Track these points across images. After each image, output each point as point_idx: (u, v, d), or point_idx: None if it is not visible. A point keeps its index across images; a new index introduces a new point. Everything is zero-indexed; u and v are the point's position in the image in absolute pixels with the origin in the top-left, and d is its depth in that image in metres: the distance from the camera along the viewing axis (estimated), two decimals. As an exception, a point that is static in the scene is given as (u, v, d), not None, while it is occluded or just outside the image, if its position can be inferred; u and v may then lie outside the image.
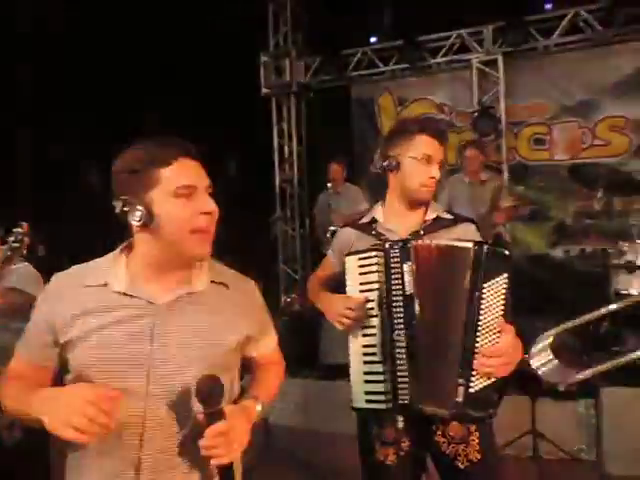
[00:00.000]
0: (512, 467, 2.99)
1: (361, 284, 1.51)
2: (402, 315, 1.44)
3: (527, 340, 3.57)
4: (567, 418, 3.23)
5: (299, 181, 5.99)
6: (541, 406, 3.12)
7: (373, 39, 5.46)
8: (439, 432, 1.54)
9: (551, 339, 1.07)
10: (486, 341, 1.34)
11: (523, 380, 3.03)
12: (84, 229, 4.43)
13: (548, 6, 4.95)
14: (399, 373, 1.44)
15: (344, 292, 1.58)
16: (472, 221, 1.69)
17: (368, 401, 1.48)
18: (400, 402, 1.44)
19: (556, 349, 3.52)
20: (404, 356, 1.43)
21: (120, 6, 4.69)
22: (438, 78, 5.53)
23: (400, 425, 1.49)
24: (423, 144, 1.60)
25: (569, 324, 1.15)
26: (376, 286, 1.48)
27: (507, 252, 1.40)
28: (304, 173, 6.10)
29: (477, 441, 1.52)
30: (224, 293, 1.17)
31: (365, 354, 1.49)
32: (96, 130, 4.92)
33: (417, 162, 1.59)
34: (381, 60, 5.45)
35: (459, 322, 1.35)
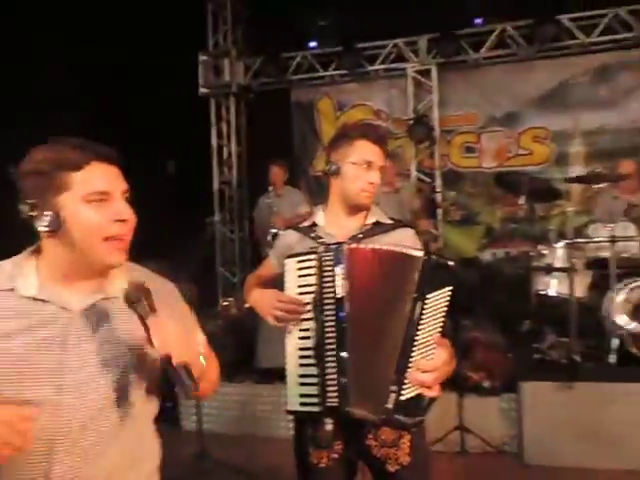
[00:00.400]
0: (441, 463, 3.11)
1: (299, 286, 1.51)
2: (333, 318, 1.44)
3: (456, 337, 3.77)
4: (491, 413, 3.39)
5: (238, 183, 5.92)
6: (467, 402, 3.27)
7: (313, 44, 5.51)
8: (370, 435, 1.54)
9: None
10: (422, 353, 1.33)
11: (450, 378, 3.15)
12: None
13: (478, 21, 5.20)
14: (329, 376, 1.44)
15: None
16: (410, 227, 1.73)
17: (302, 404, 1.48)
18: (328, 405, 1.44)
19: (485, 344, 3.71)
20: (334, 359, 1.43)
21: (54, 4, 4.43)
22: (376, 85, 5.68)
23: (328, 428, 1.48)
24: (363, 149, 1.62)
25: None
26: (312, 289, 1.49)
27: (453, 264, 1.37)
28: (244, 175, 6.04)
29: (408, 444, 1.54)
30: None
31: (300, 356, 1.49)
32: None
33: (357, 167, 1.61)
34: (321, 65, 5.52)
35: (397, 330, 1.33)
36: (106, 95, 4.68)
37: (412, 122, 5.16)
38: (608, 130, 5.32)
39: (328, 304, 1.45)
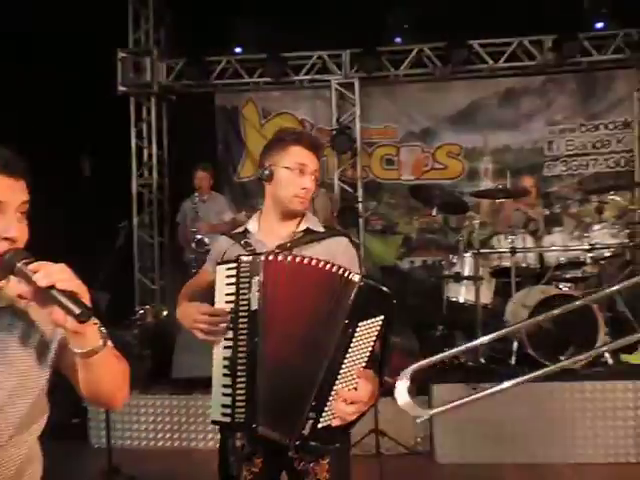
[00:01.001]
0: (357, 466, 3.19)
1: (226, 295, 1.47)
2: (245, 332, 1.40)
3: (386, 361, 3.88)
4: (405, 415, 3.53)
5: (159, 186, 5.72)
6: (382, 406, 3.39)
7: (238, 49, 5.48)
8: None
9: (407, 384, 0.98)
10: (346, 382, 1.31)
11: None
12: None
13: (398, 39, 5.46)
14: (238, 391, 1.41)
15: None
16: (346, 235, 1.70)
17: (223, 414, 1.44)
18: (236, 420, 1.41)
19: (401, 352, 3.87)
20: (244, 374, 1.40)
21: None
22: (301, 94, 5.76)
23: (237, 444, 1.51)
24: (297, 154, 1.61)
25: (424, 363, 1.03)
26: (232, 298, 1.45)
27: (388, 291, 1.33)
28: (165, 178, 5.85)
29: (328, 461, 1.54)
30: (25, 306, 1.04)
31: (225, 366, 1.45)
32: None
33: (290, 172, 1.59)
34: (246, 71, 5.50)
35: (321, 355, 1.30)
36: (22, 91, 4.36)
37: (335, 133, 5.29)
38: (512, 149, 5.79)
39: (242, 316, 1.40)
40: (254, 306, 1.38)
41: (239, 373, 1.41)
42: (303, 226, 1.63)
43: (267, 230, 1.64)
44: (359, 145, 5.44)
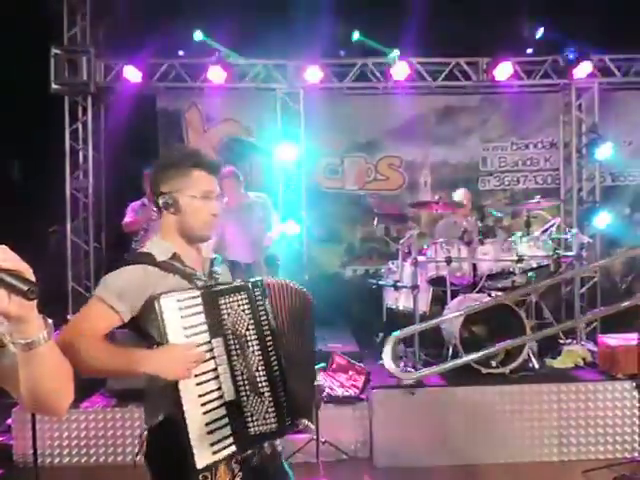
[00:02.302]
0: (300, 472, 3.19)
1: (186, 328, 1.43)
2: (271, 348, 1.54)
3: (318, 349, 3.92)
4: (345, 421, 3.59)
5: (95, 190, 5.48)
6: (323, 413, 3.40)
7: (181, 52, 5.38)
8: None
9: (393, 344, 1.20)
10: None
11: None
12: None
13: (342, 52, 5.58)
14: (258, 405, 1.50)
15: (150, 345, 1.45)
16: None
17: (215, 452, 1.41)
18: (258, 432, 1.49)
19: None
20: (269, 385, 1.52)
21: None
22: (246, 101, 5.73)
23: (235, 467, 1.49)
24: (201, 181, 1.58)
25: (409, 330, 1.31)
26: (201, 328, 1.45)
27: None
28: (102, 182, 5.61)
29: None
30: None
31: (203, 404, 1.42)
32: None
33: (197, 200, 1.57)
34: (189, 75, 5.40)
35: (309, 352, 1.71)
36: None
37: (280, 142, 5.30)
38: (450, 164, 6.06)
39: (266, 336, 1.53)
40: (273, 325, 1.55)
41: (265, 384, 1.51)
42: (209, 253, 1.69)
43: (184, 257, 1.58)
44: (303, 154, 5.48)
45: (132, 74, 5.20)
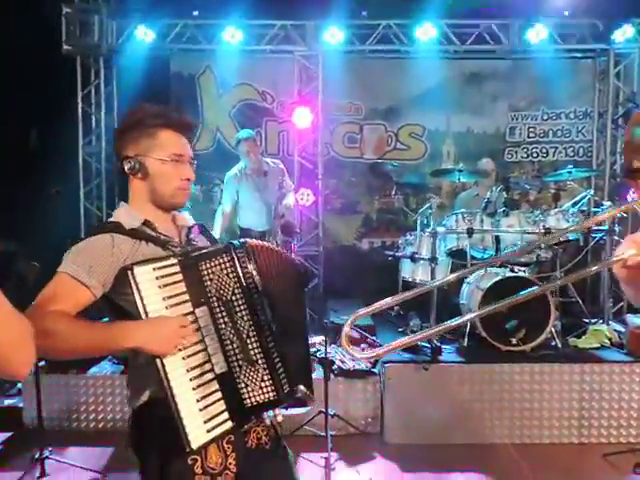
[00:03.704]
0: (308, 445, 3.13)
1: (166, 299, 1.30)
2: (262, 314, 1.39)
3: (331, 321, 3.82)
4: (356, 395, 3.49)
5: (107, 156, 5.39)
6: (333, 386, 3.31)
7: (195, 12, 5.17)
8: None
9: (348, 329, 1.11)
10: None
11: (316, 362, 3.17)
12: None
13: (364, 13, 5.28)
14: (254, 375, 1.37)
15: (126, 318, 1.32)
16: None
17: (210, 430, 1.30)
18: (255, 403, 1.36)
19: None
20: (262, 352, 1.38)
21: None
22: (261, 65, 5.51)
23: (214, 458, 1.38)
24: (170, 143, 1.44)
25: (362, 312, 1.22)
26: (183, 297, 1.32)
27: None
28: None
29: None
30: None
31: (192, 379, 1.30)
32: None
33: (167, 164, 1.43)
34: (204, 37, 5.20)
35: (300, 319, 1.59)
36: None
37: (297, 107, 5.10)
38: (474, 133, 5.76)
39: (256, 299, 1.38)
40: (260, 287, 1.40)
41: (258, 352, 1.37)
42: (185, 220, 1.56)
43: (156, 224, 1.45)
44: (320, 121, 5.27)
45: (145, 35, 5.02)
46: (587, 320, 4.12)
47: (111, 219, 1.45)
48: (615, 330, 3.93)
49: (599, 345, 3.73)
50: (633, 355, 3.50)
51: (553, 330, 3.58)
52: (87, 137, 5.38)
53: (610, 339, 3.79)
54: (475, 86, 5.70)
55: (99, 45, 5.03)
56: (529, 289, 1.30)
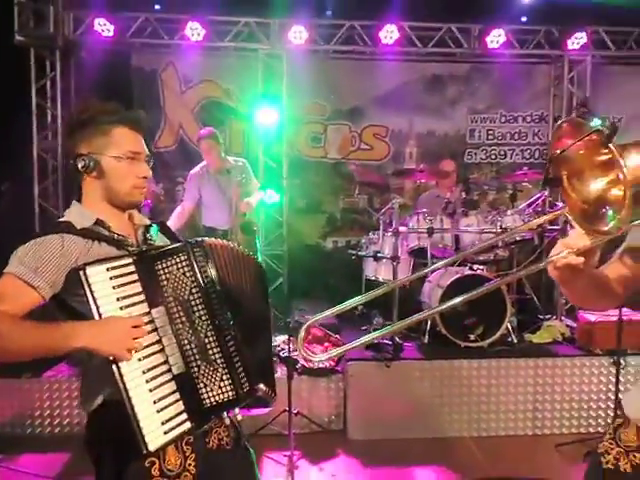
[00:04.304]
0: (271, 444, 3.13)
1: (120, 299, 1.28)
2: (218, 311, 1.39)
3: (295, 320, 3.84)
4: (319, 393, 3.51)
5: (65, 152, 5.21)
6: (296, 385, 3.32)
7: (157, 6, 5.06)
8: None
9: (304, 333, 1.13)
10: None
11: (279, 361, 3.18)
12: None
13: (328, 13, 5.31)
14: (212, 375, 1.36)
15: (79, 320, 1.28)
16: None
17: (167, 431, 1.28)
18: (214, 403, 1.35)
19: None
20: (221, 352, 1.37)
21: None
22: (225, 62, 5.45)
23: (187, 449, 1.38)
24: (125, 140, 1.42)
25: (319, 316, 1.24)
26: (139, 298, 1.30)
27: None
28: (73, 143, 5.33)
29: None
30: None
31: (149, 380, 1.28)
32: None
33: (122, 162, 1.41)
34: (166, 32, 5.10)
35: (264, 316, 1.62)
36: None
37: (261, 106, 5.07)
38: (436, 135, 5.89)
39: (214, 298, 1.37)
40: (218, 286, 1.40)
41: (217, 351, 1.37)
42: (144, 219, 1.55)
43: (111, 224, 1.42)
44: (284, 120, 5.26)
45: (104, 28, 4.88)
46: (541, 317, 4.29)
47: (62, 219, 1.41)
48: (567, 326, 4.10)
49: (552, 340, 3.89)
50: (583, 349, 3.67)
51: (509, 326, 3.71)
52: (42, 132, 5.19)
53: (563, 334, 3.95)
54: (437, 88, 5.82)
55: (55, 36, 4.85)
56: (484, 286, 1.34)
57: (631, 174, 0.94)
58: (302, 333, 1.11)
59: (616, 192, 0.99)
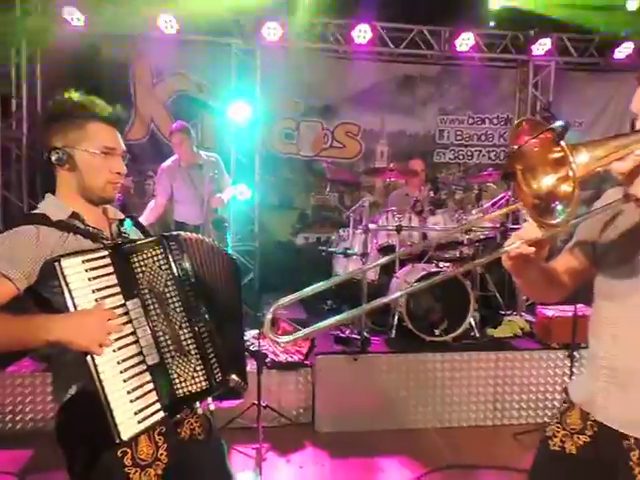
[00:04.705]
0: (240, 437, 3.17)
1: (96, 291, 1.29)
2: (195, 305, 1.44)
3: (263, 314, 3.88)
4: (288, 387, 3.57)
5: (30, 142, 5.08)
6: (266, 379, 3.36)
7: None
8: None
9: (270, 316, 1.18)
10: None
11: (249, 355, 3.22)
12: None
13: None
14: (187, 365, 1.40)
15: (54, 312, 1.29)
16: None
17: (141, 420, 1.31)
18: (187, 393, 1.40)
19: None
20: (195, 343, 1.42)
21: None
22: (198, 55, 5.41)
23: (159, 440, 1.41)
24: (100, 136, 1.42)
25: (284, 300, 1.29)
26: (114, 290, 1.32)
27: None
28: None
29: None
30: None
31: (123, 371, 1.30)
32: None
33: (96, 157, 1.41)
34: (138, 23, 4.98)
35: (235, 304, 1.65)
36: None
37: (234, 101, 5.07)
38: (407, 134, 6.01)
39: (188, 290, 1.42)
40: (192, 279, 1.44)
41: (190, 342, 1.41)
42: (117, 213, 1.57)
43: (86, 217, 1.44)
44: (258, 116, 5.27)
45: (73, 17, 4.78)
46: (503, 312, 4.46)
47: (36, 211, 1.42)
48: (527, 321, 4.28)
49: (513, 334, 4.05)
50: (541, 343, 3.85)
51: (472, 322, 3.85)
52: (6, 121, 5.04)
53: (522, 329, 4.13)
54: (408, 89, 5.94)
55: (21, 21, 4.71)
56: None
57: (580, 171, 1.00)
58: (269, 316, 1.16)
59: (566, 188, 1.05)
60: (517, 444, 3.37)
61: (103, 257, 1.33)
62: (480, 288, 4.53)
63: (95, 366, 1.27)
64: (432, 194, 4.55)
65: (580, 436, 1.35)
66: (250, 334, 3.51)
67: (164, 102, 5.53)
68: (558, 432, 1.40)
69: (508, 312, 4.49)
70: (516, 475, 2.95)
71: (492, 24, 5.81)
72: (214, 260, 1.54)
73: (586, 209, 1.26)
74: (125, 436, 1.28)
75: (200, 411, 1.53)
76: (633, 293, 1.24)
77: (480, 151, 6.17)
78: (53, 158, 1.40)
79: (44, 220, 1.37)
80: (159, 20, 4.91)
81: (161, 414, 1.36)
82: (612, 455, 1.27)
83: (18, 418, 3.35)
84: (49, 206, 1.42)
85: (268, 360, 3.49)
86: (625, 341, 1.26)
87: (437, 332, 3.72)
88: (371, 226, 3.98)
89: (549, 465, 1.42)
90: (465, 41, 5.46)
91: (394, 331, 3.83)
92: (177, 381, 1.39)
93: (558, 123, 1.05)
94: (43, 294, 1.35)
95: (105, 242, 1.42)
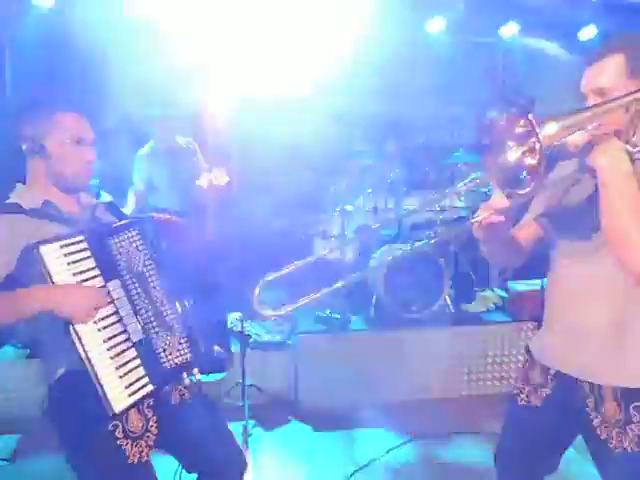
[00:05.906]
0: (226, 415, 3.26)
1: (76, 274, 1.34)
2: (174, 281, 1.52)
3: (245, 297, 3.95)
4: (272, 366, 3.68)
5: None
6: (250, 359, 3.46)
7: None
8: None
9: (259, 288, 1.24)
10: None
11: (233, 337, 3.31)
12: None
13: None
14: (169, 340, 1.49)
15: None
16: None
17: (132, 394, 1.38)
18: (174, 365, 1.49)
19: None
20: (174, 318, 1.51)
21: None
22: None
23: (148, 412, 1.50)
24: (70, 124, 1.46)
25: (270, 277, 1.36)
26: (93, 273, 1.38)
27: None
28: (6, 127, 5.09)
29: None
30: None
31: (109, 348, 1.37)
32: None
33: (67, 146, 1.45)
34: (110, 8, 4.93)
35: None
36: None
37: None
38: (381, 116, 6.06)
39: (168, 271, 1.50)
40: (169, 258, 1.53)
41: (172, 317, 1.50)
42: (91, 199, 1.62)
43: (59, 204, 1.48)
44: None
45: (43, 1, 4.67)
46: (476, 289, 4.64)
47: (9, 200, 1.45)
48: (499, 296, 4.47)
49: (486, 309, 4.24)
50: (513, 316, 4.04)
51: (447, 298, 4.01)
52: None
53: (495, 304, 4.32)
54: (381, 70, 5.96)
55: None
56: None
57: (545, 141, 1.08)
58: (258, 288, 1.26)
59: (531, 160, 1.14)
60: (490, 411, 3.55)
61: (80, 242, 1.37)
62: (455, 266, 4.69)
63: (82, 345, 1.33)
64: (406, 175, 4.66)
65: (543, 389, 1.50)
66: (233, 316, 3.59)
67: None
68: (524, 388, 1.55)
69: (481, 288, 4.67)
70: (491, 436, 3.13)
71: (462, 6, 5.88)
72: (189, 239, 1.63)
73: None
74: (117, 408, 1.36)
75: (187, 382, 1.59)
76: (586, 252, 1.36)
77: (452, 132, 6.28)
78: (24, 147, 1.43)
79: (17, 209, 1.40)
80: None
81: (150, 387, 1.44)
82: (572, 403, 1.42)
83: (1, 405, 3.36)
84: (20, 195, 1.45)
85: (252, 341, 3.59)
86: (578, 295, 1.39)
87: (414, 309, 3.87)
88: (348, 207, 4.08)
89: (518, 419, 1.57)
90: (437, 24, 5.52)
91: (373, 310, 3.96)
92: (162, 355, 1.47)
93: (525, 100, 1.15)
94: (23, 282, 1.38)
95: (81, 227, 1.46)
